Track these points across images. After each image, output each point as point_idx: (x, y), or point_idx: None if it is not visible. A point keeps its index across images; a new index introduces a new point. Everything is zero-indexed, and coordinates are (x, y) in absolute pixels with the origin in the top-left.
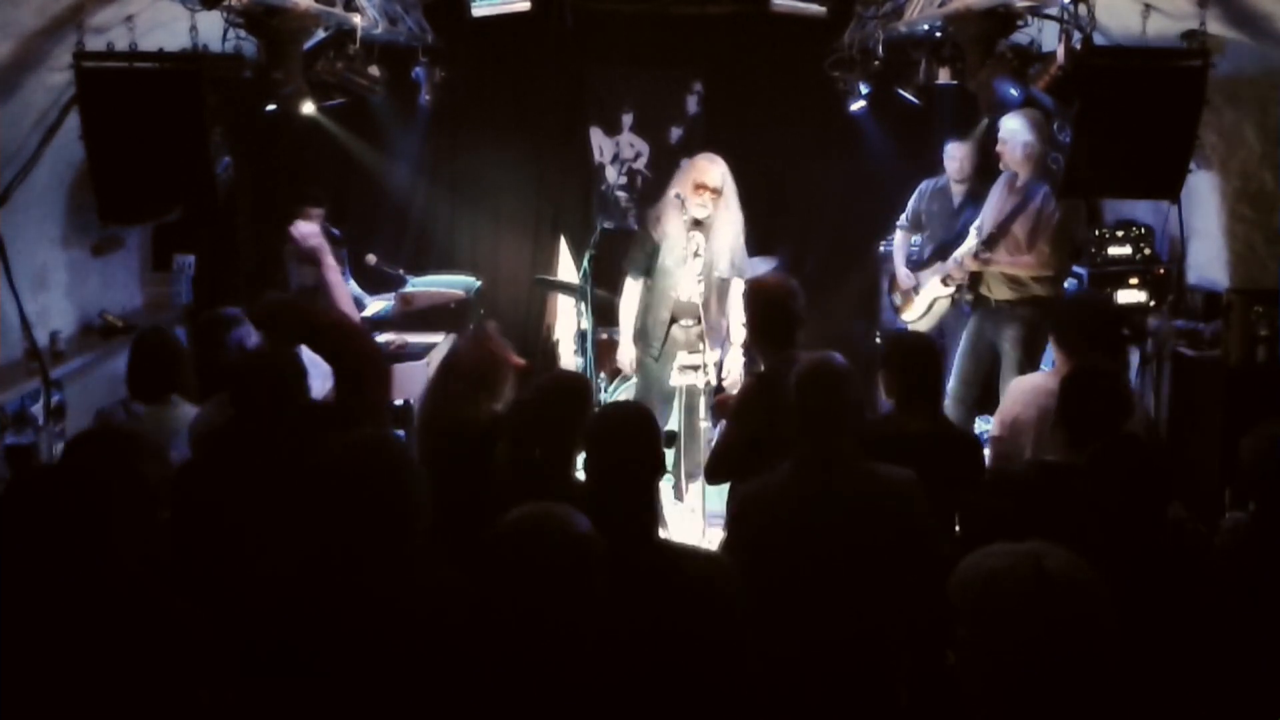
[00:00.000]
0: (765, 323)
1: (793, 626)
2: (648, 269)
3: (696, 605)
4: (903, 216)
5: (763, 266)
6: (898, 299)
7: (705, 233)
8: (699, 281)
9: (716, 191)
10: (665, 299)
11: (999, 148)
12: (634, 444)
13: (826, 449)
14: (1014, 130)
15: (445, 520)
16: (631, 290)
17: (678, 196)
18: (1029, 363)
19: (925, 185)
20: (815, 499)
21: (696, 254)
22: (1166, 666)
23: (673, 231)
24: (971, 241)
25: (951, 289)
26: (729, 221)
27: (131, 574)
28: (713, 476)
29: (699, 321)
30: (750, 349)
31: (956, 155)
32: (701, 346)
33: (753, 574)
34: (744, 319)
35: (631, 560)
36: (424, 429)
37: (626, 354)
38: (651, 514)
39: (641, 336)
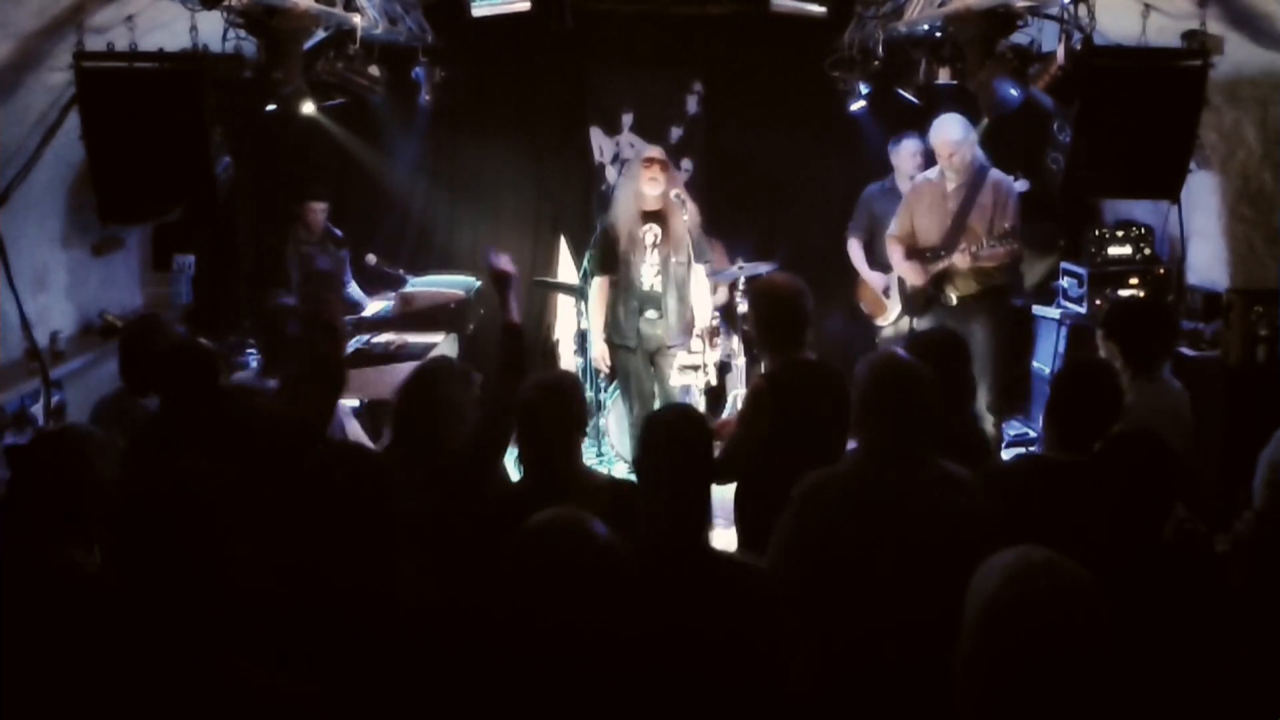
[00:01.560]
0: (774, 323)
1: (850, 618)
2: (609, 266)
3: (743, 614)
4: (852, 225)
5: (762, 267)
6: (865, 306)
7: (660, 224)
8: (657, 273)
9: (664, 164)
10: (631, 291)
11: (939, 152)
12: (686, 449)
13: (898, 442)
14: (947, 138)
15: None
16: (598, 289)
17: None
18: (1007, 349)
19: (872, 190)
20: (885, 491)
21: (654, 245)
22: (1166, 669)
23: (630, 226)
24: (898, 254)
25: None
26: (681, 210)
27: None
28: (721, 477)
29: (661, 314)
30: (754, 349)
31: (913, 150)
32: (702, 346)
33: (811, 562)
34: (749, 319)
35: (681, 565)
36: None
37: (598, 350)
38: (703, 520)
39: (614, 329)
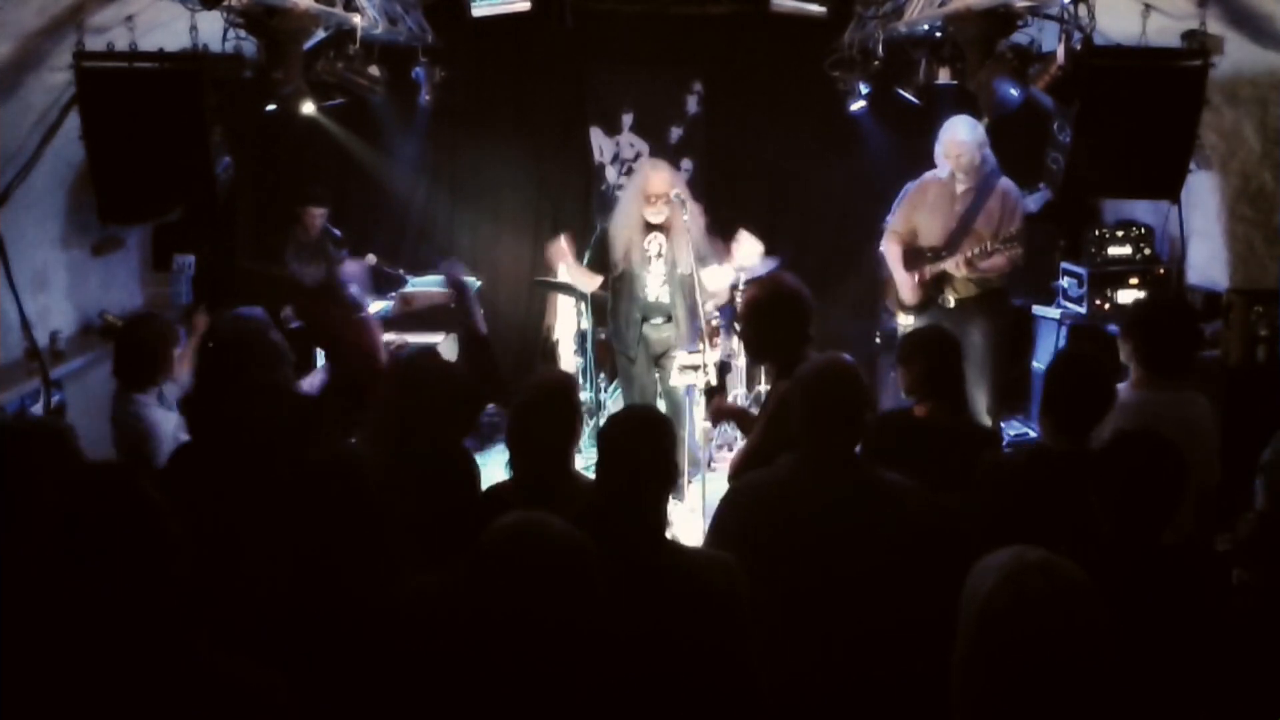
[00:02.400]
0: (779, 323)
1: (793, 626)
2: (602, 270)
3: (707, 607)
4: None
5: (763, 267)
6: (893, 304)
7: (665, 233)
8: (663, 283)
9: (667, 198)
10: (635, 299)
11: (946, 152)
12: (647, 449)
13: (833, 449)
14: (954, 138)
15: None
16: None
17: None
18: (1006, 350)
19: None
20: (815, 498)
21: (659, 254)
22: (1165, 669)
23: (632, 238)
24: (895, 256)
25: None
26: (687, 219)
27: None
28: (739, 479)
29: (669, 320)
30: (751, 351)
31: None
32: (702, 347)
33: (752, 561)
34: (744, 320)
35: (642, 563)
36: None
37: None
38: (661, 518)
39: (615, 336)
